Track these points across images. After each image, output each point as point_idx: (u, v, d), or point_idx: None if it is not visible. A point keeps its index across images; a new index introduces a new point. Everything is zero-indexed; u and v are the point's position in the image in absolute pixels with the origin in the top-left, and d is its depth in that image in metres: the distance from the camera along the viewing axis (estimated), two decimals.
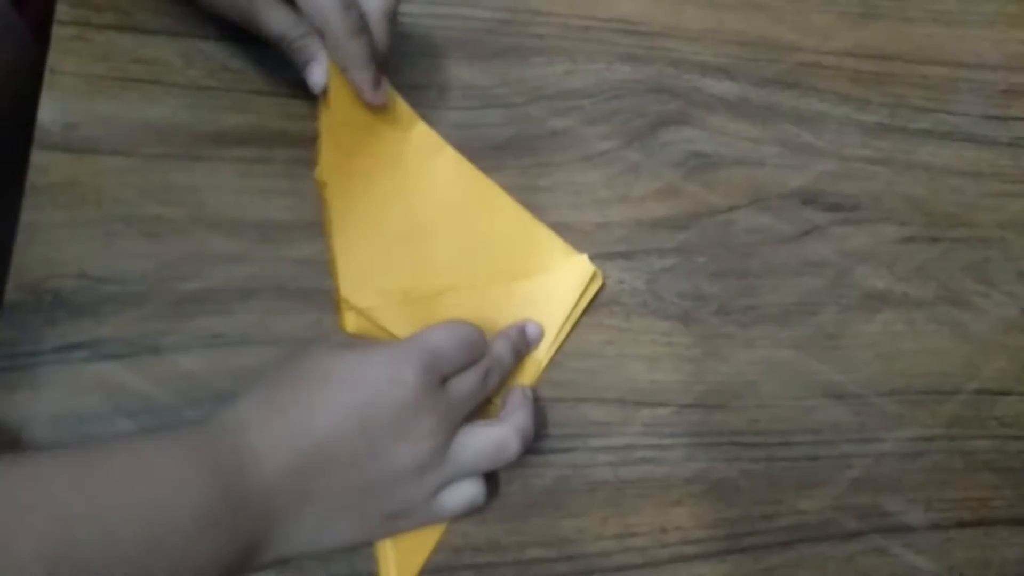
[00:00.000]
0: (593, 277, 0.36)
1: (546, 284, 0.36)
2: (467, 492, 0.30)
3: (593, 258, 0.37)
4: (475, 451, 0.30)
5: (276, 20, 0.32)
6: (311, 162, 0.35)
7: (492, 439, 0.30)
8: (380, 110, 0.35)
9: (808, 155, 0.43)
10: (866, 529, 0.35)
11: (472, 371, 0.30)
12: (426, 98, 0.38)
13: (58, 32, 0.35)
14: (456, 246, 0.35)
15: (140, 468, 0.25)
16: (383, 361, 0.28)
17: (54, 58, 0.34)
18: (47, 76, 0.34)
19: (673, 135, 0.42)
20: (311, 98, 0.37)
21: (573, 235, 0.37)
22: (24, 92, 0.34)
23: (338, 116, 0.34)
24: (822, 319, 0.39)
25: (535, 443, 0.33)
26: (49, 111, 0.33)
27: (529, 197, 0.38)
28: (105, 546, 0.23)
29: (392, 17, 0.33)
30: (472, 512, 0.31)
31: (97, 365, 0.30)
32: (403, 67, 0.39)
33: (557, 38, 0.42)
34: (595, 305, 0.37)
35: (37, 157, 0.33)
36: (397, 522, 0.29)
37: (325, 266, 0.34)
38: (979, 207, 0.45)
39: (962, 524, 0.37)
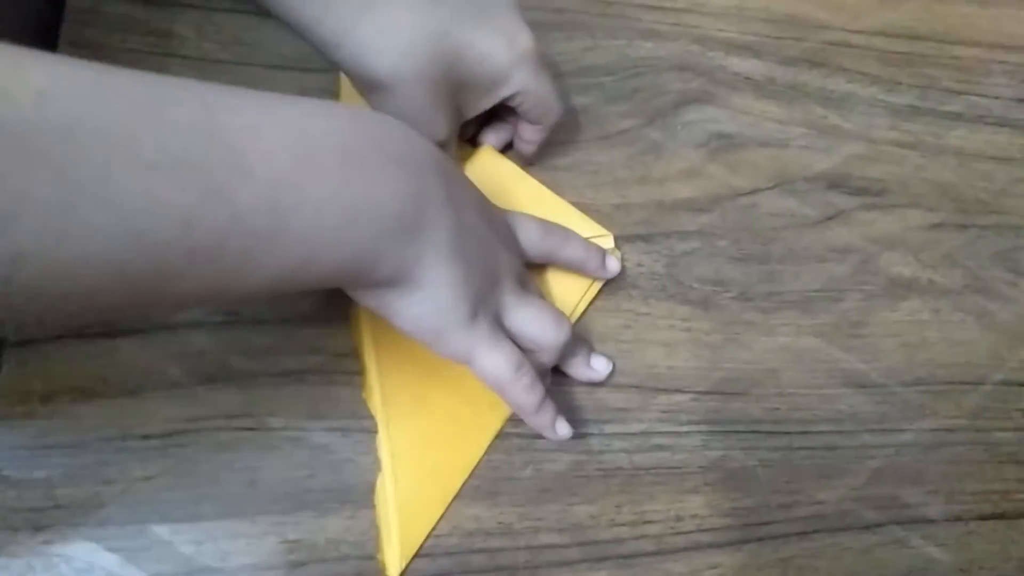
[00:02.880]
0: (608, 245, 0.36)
1: None
2: (502, 360, 0.28)
3: None
4: (536, 315, 0.30)
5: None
6: None
7: (556, 315, 0.30)
8: None
9: (835, 137, 0.42)
10: (885, 520, 0.35)
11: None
12: None
13: (73, 3, 0.34)
14: None
15: (284, 100, 0.24)
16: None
17: (69, 29, 0.34)
18: (61, 47, 0.33)
19: (696, 114, 0.41)
20: (324, 72, 0.36)
21: (591, 216, 0.36)
22: None
23: None
24: (846, 306, 0.38)
25: None
26: None
27: (547, 176, 0.37)
28: (250, 140, 0.22)
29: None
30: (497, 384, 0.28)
31: (111, 340, 0.30)
32: None
33: (577, 13, 0.41)
34: (612, 289, 0.36)
35: None
36: (477, 315, 0.27)
37: None
38: (1010, 194, 0.44)
39: (983, 517, 0.36)
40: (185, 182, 0.20)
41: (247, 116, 0.22)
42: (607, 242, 0.36)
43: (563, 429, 0.30)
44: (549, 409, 0.30)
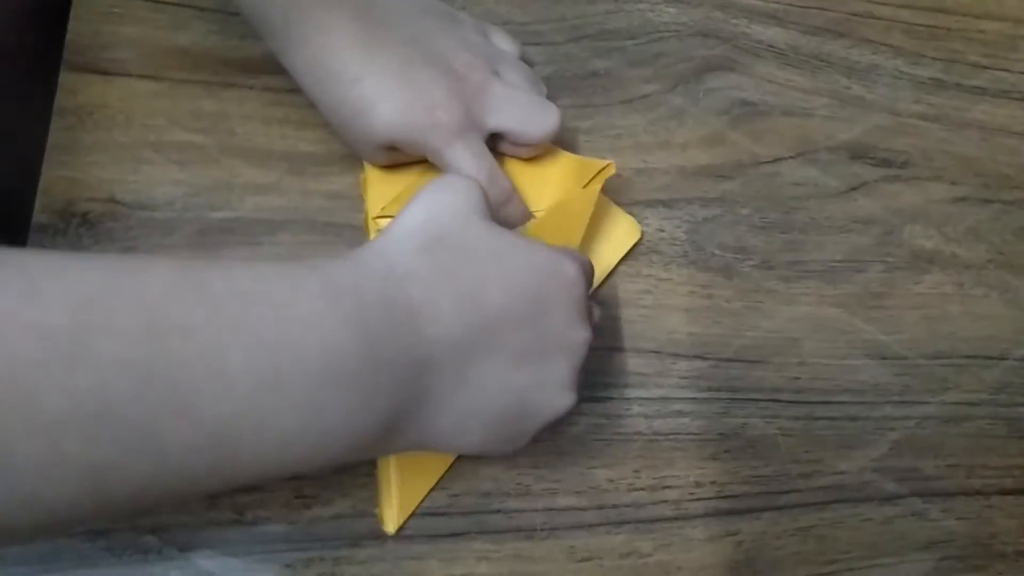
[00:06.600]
0: (630, 230, 0.35)
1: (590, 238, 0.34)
2: None
3: (632, 205, 0.36)
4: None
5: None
6: None
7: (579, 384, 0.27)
8: None
9: (858, 108, 0.42)
10: (905, 492, 0.34)
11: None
12: None
13: None
14: None
15: (256, 292, 0.20)
16: (550, 253, 0.25)
17: None
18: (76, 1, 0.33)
19: (719, 81, 0.40)
20: None
21: (612, 180, 0.36)
22: (54, 8, 0.32)
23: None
24: (868, 277, 0.38)
25: None
26: (78, 31, 0.32)
27: (567, 138, 0.36)
28: (206, 370, 0.18)
29: None
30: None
31: None
32: None
33: None
34: (634, 254, 0.35)
35: (66, 78, 0.32)
36: (513, 443, 0.26)
37: (356, 201, 0.33)
38: None
39: (1004, 491, 0.36)
40: (99, 436, 0.17)
41: (209, 336, 0.18)
42: (635, 233, 0.35)
43: None
44: None
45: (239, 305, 0.19)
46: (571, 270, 0.25)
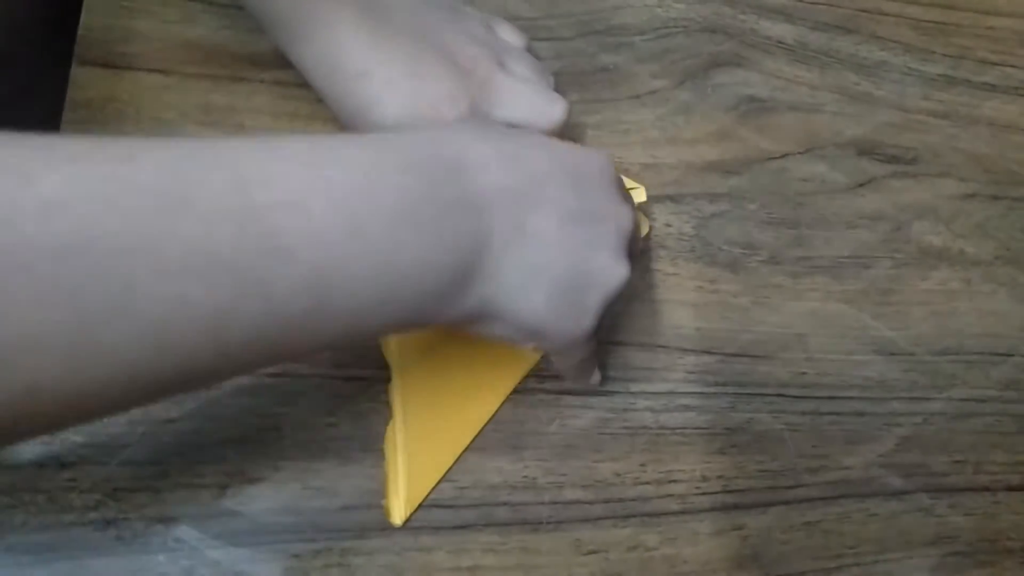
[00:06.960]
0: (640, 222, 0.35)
1: None
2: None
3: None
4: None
5: None
6: None
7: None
8: None
9: (867, 104, 0.41)
10: (912, 488, 0.34)
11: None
12: None
13: None
14: None
15: (321, 152, 0.21)
16: (580, 146, 0.28)
17: None
18: None
19: (727, 77, 0.40)
20: None
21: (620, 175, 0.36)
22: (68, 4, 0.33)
23: None
24: (876, 273, 0.38)
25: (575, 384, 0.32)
26: (90, 26, 0.32)
27: (576, 135, 0.36)
28: (292, 218, 0.20)
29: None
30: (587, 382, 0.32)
31: None
32: None
33: None
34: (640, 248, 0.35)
35: (77, 73, 0.32)
36: (576, 318, 0.25)
37: None
38: None
39: (1011, 488, 0.36)
40: (216, 280, 0.18)
41: (290, 190, 0.20)
42: (640, 195, 0.35)
43: (596, 377, 0.31)
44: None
45: (310, 162, 0.21)
46: (604, 158, 0.27)
